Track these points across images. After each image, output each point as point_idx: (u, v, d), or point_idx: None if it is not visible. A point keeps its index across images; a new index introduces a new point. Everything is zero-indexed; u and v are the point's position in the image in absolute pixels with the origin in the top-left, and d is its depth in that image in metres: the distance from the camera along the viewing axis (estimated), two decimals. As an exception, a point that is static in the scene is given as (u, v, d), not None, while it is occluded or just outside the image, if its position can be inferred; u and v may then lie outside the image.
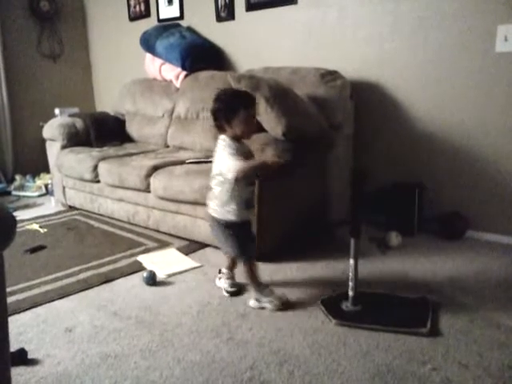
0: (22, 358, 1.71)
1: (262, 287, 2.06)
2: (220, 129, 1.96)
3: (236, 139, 1.94)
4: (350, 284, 1.96)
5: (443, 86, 2.81)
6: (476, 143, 2.75)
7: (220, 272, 2.28)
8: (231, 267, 2.24)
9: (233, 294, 2.17)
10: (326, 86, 2.88)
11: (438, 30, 2.76)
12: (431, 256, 2.56)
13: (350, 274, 1.95)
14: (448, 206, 2.86)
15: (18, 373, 1.64)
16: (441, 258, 2.52)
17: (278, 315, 1.98)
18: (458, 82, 2.75)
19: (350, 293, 1.96)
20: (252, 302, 2.06)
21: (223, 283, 2.22)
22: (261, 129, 2.39)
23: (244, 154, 1.94)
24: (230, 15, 3.75)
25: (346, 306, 1.97)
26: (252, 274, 2.06)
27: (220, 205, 1.99)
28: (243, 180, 1.92)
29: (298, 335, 1.82)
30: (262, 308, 2.03)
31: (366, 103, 3.10)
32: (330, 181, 2.83)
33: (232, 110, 1.89)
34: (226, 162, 1.89)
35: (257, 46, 3.65)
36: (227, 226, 2.00)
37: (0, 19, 4.45)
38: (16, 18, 4.66)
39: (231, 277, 2.24)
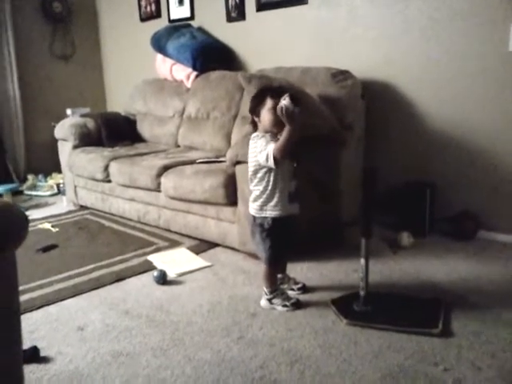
0: (34, 355, 1.73)
1: (277, 292, 2.05)
2: (254, 126, 1.99)
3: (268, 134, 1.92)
4: (361, 284, 1.95)
5: (455, 85, 2.78)
6: (488, 142, 2.72)
7: (282, 283, 2.18)
8: (283, 270, 2.20)
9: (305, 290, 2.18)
10: (336, 86, 2.87)
11: (449, 29, 2.73)
12: (443, 256, 2.54)
13: (361, 273, 1.95)
14: (459, 206, 2.84)
15: (30, 370, 1.66)
16: (453, 259, 2.50)
17: (288, 315, 1.98)
18: (470, 82, 2.72)
19: (361, 293, 1.95)
20: (263, 303, 2.06)
21: (295, 292, 2.16)
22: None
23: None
24: (241, 15, 3.75)
25: (357, 305, 1.96)
26: (271, 278, 2.05)
27: (263, 202, 1.94)
28: (283, 159, 1.85)
29: (309, 335, 1.81)
30: (273, 309, 2.03)
31: (377, 103, 3.08)
32: (342, 180, 2.81)
33: (260, 100, 1.92)
34: (263, 153, 1.86)
35: (268, 46, 3.65)
36: (267, 227, 1.96)
37: (13, 21, 4.49)
38: (29, 20, 4.70)
39: (290, 278, 2.21)
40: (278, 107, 1.77)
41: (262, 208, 1.96)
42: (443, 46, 2.78)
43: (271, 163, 1.84)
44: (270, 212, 1.94)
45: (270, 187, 1.92)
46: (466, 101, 2.76)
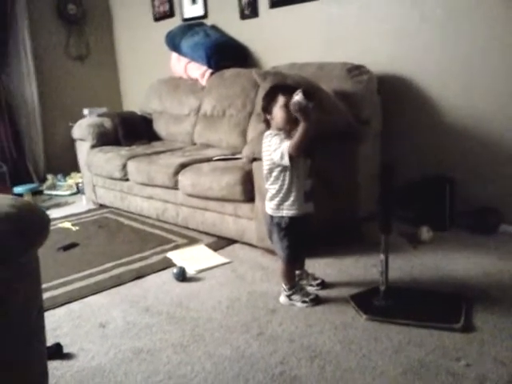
0: (57, 352, 1.76)
1: (296, 288, 2.04)
2: (266, 124, 1.98)
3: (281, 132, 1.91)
4: (381, 279, 1.94)
5: (474, 79, 2.73)
6: (508, 135, 2.68)
7: (301, 279, 2.17)
8: (302, 266, 2.20)
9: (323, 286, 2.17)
10: (352, 81, 2.85)
11: (469, 21, 2.68)
12: (464, 251, 2.50)
13: (381, 268, 1.93)
14: (480, 200, 2.79)
15: (54, 366, 1.69)
16: (474, 253, 2.47)
17: (308, 311, 1.98)
18: (490, 75, 2.67)
19: (381, 288, 1.94)
20: (282, 299, 2.06)
21: (314, 288, 2.16)
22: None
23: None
24: (254, 12, 3.75)
25: (377, 301, 1.95)
26: (289, 275, 2.05)
27: (279, 201, 1.93)
28: (298, 156, 1.84)
29: (329, 331, 1.81)
30: (293, 305, 2.03)
31: (394, 97, 3.05)
32: (359, 175, 2.80)
33: (271, 98, 1.91)
34: (277, 151, 1.85)
35: (281, 42, 3.64)
36: (284, 226, 1.95)
37: (29, 23, 4.55)
38: (44, 22, 4.76)
39: (308, 274, 2.20)
40: (292, 103, 1.75)
41: (278, 207, 1.95)
42: (463, 39, 2.73)
43: (286, 161, 1.83)
44: (287, 211, 1.94)
45: (285, 186, 1.91)
46: (485, 94, 2.71)
